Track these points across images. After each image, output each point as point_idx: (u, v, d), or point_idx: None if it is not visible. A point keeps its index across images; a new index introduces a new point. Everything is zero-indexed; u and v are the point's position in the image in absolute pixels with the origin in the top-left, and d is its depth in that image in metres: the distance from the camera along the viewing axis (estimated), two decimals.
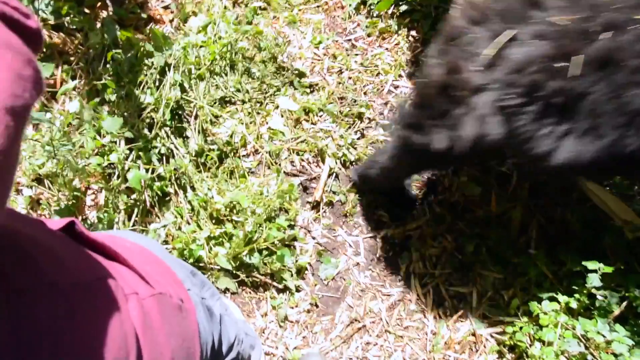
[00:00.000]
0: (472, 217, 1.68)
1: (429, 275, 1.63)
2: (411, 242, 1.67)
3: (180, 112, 1.78)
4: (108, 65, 1.78)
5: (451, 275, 1.63)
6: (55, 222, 0.63)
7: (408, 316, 1.59)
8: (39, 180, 1.68)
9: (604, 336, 1.36)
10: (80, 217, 1.64)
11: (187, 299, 0.76)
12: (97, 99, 1.71)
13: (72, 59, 1.82)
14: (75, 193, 1.62)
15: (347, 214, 1.72)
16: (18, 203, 1.67)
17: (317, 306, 1.60)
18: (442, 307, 1.59)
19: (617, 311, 1.41)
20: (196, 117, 1.79)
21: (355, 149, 1.79)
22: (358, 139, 1.82)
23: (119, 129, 1.58)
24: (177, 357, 0.64)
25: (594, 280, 1.46)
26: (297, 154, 1.79)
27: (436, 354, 1.51)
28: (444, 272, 1.63)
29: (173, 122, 1.75)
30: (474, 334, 1.54)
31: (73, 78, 1.80)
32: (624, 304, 1.42)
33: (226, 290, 1.60)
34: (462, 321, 1.57)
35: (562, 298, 1.48)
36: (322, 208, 1.73)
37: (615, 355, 1.33)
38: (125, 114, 1.69)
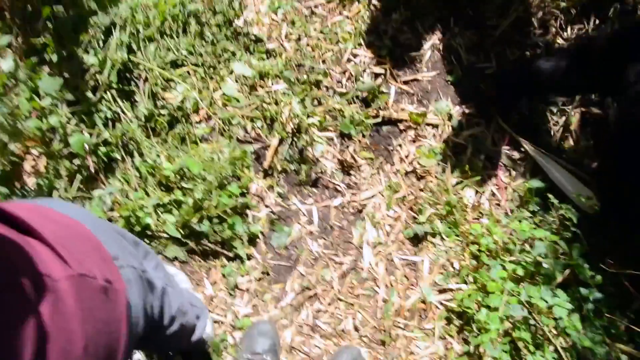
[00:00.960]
0: (427, 186, 1.68)
1: (382, 244, 1.63)
2: (365, 211, 1.66)
3: (128, 75, 1.70)
4: (49, 23, 1.66)
5: (404, 244, 1.64)
6: None
7: (359, 284, 1.58)
8: None
9: (546, 301, 1.39)
10: (18, 184, 1.55)
11: (117, 279, 0.71)
12: (35, 58, 1.61)
13: (6, 14, 1.69)
14: (11, 158, 1.53)
15: (302, 183, 1.69)
16: None
17: (268, 274, 1.58)
18: (394, 275, 1.59)
19: (560, 278, 1.45)
20: (145, 80, 1.70)
21: (310, 116, 1.74)
22: (315, 106, 1.78)
23: (58, 89, 1.49)
24: (94, 343, 0.60)
25: (540, 248, 1.49)
26: (252, 120, 1.73)
27: (386, 321, 1.52)
28: (397, 241, 1.63)
29: (120, 85, 1.66)
30: (424, 302, 1.55)
31: (7, 34, 1.68)
32: (567, 271, 1.45)
33: (175, 258, 1.56)
34: (412, 289, 1.58)
35: (510, 266, 1.50)
36: (277, 177, 1.69)
37: (555, 319, 1.37)
38: (67, 75, 1.59)
